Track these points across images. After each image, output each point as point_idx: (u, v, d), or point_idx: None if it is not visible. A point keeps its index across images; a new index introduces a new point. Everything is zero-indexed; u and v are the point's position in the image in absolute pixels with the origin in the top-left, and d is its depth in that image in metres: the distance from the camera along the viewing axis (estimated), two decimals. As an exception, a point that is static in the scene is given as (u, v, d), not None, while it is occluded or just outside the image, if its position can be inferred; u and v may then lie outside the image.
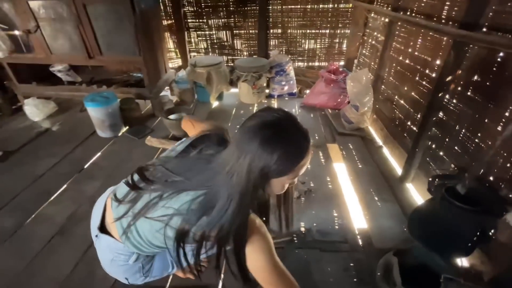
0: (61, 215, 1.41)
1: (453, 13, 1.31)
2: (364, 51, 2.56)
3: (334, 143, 2.04)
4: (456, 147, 1.26)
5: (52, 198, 1.53)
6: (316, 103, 2.57)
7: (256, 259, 0.65)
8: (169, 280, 1.10)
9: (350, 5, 2.50)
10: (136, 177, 0.76)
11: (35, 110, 2.32)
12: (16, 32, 2.06)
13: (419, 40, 1.57)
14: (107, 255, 0.85)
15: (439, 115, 1.38)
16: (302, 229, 1.33)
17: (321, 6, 2.55)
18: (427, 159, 1.47)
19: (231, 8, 2.65)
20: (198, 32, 2.87)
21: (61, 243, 1.27)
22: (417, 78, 1.59)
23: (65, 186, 1.62)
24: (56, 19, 1.99)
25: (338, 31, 2.67)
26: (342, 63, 2.81)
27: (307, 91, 2.76)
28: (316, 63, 2.89)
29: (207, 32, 2.84)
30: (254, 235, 0.64)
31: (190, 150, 0.77)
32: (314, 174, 1.70)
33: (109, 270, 0.90)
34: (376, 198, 1.51)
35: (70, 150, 1.96)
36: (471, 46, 1.17)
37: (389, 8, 1.93)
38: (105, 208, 0.86)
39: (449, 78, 1.26)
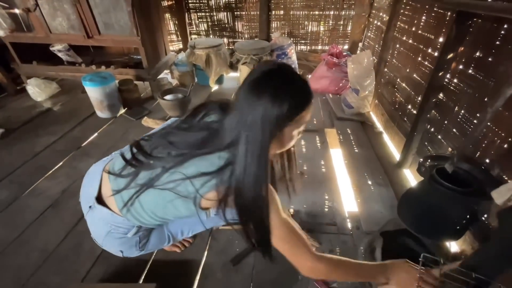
0: (55, 189, 1.45)
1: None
2: (369, 34, 2.45)
3: (332, 128, 1.99)
4: (454, 129, 1.19)
5: (48, 173, 1.56)
6: (317, 87, 2.50)
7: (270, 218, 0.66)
8: (154, 253, 1.12)
9: (356, -16, 2.38)
10: (134, 150, 0.75)
11: (37, 90, 2.36)
12: (16, 10, 2.07)
13: (423, 18, 1.48)
14: (103, 227, 0.83)
15: (439, 96, 1.31)
16: (291, 210, 1.31)
17: (325, -15, 2.44)
18: (425, 143, 1.42)
19: (232, -12, 2.57)
20: (198, 14, 2.81)
21: (53, 215, 1.30)
22: (419, 59, 1.51)
23: (61, 162, 1.65)
24: (54, -3, 1.98)
25: (343, 13, 2.56)
26: (346, 47, 2.71)
27: (309, 76, 2.68)
28: (319, 47, 2.80)
29: (207, 13, 2.78)
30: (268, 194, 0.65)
31: (190, 120, 0.75)
32: (308, 157, 1.67)
33: (102, 242, 0.86)
34: (370, 182, 1.47)
35: (69, 129, 1.99)
36: (474, 20, 1.09)
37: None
38: (101, 181, 0.83)
39: (450, 56, 1.18)
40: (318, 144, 1.81)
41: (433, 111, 1.35)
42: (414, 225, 0.99)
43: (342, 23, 2.62)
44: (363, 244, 1.06)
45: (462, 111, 1.15)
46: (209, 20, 2.83)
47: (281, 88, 0.60)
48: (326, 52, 2.51)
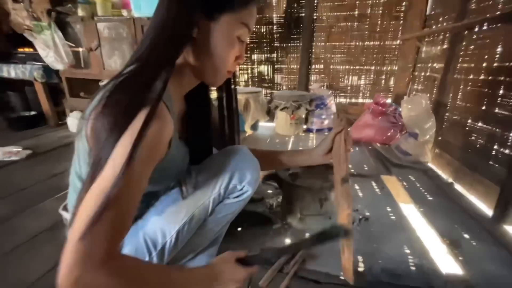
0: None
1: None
2: (415, 86, 2.35)
3: (391, 175, 1.67)
4: None
5: (59, 194, 1.34)
6: (361, 137, 2.29)
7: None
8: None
9: (398, 41, 2.43)
10: None
11: (76, 122, 2.38)
12: (80, 49, 2.27)
13: (498, 49, 1.34)
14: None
15: (550, 125, 1.03)
16: (361, 265, 0.93)
17: (366, 43, 2.52)
18: (539, 186, 1.06)
19: (275, 44, 2.75)
20: (240, 66, 2.97)
21: (47, 239, 1.02)
22: (501, 91, 1.30)
23: (77, 185, 1.44)
24: (115, 38, 2.18)
25: (385, 68, 2.55)
26: (389, 100, 2.60)
27: (349, 128, 2.52)
28: (360, 100, 2.72)
29: (249, 66, 2.92)
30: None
31: None
32: (368, 202, 1.33)
33: None
34: (467, 236, 1.07)
35: (95, 156, 1.86)
36: None
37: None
38: None
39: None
40: (377, 190, 1.48)
41: (543, 144, 1.05)
42: None
43: (383, 77, 2.59)
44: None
45: None
46: (249, 72, 2.96)
47: None
48: (370, 102, 2.40)
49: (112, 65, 2.26)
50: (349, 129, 0.76)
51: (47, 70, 2.33)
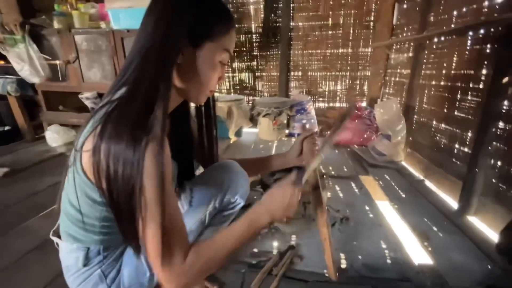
0: (47, 229, 1.17)
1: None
2: (387, 90, 2.52)
3: (368, 175, 1.79)
4: (534, 157, 1.01)
5: (44, 212, 1.32)
6: (340, 140, 2.41)
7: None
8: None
9: (370, 48, 2.60)
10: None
11: (55, 136, 2.31)
12: (57, 62, 2.22)
13: (454, 58, 1.50)
14: (63, 265, 0.66)
15: (499, 126, 1.17)
16: (343, 262, 1.01)
17: (340, 50, 2.67)
18: (493, 180, 1.20)
19: (255, 53, 2.83)
20: (221, 75, 3.03)
21: (36, 259, 1.01)
22: (459, 96, 1.45)
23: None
24: (94, 51, 2.16)
25: (359, 73, 2.71)
26: (364, 104, 2.76)
27: (328, 133, 2.65)
28: (337, 104, 2.87)
29: (230, 74, 2.98)
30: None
31: None
32: (348, 202, 1.43)
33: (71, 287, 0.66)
34: (435, 229, 1.19)
35: (78, 171, 1.83)
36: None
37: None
38: None
39: (505, 80, 1.11)
40: (356, 190, 1.58)
41: (494, 143, 1.20)
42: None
43: (358, 82, 2.74)
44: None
45: (540, 134, 0.99)
46: (230, 80, 3.02)
47: None
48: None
49: (92, 77, 2.23)
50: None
51: (22, 84, 2.25)
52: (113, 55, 2.12)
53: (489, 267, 0.96)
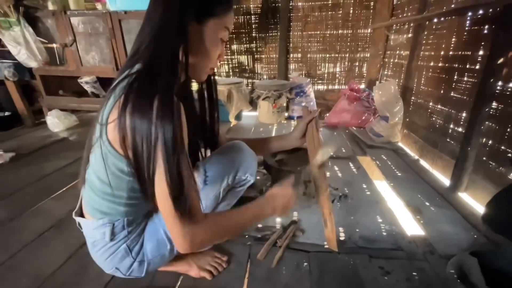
0: (61, 210, 1.24)
1: None
2: (385, 72, 2.54)
3: (365, 156, 1.85)
4: (523, 135, 1.07)
5: (55, 194, 1.38)
6: (338, 121, 2.46)
7: None
8: (179, 281, 0.86)
9: (369, 29, 2.57)
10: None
11: (56, 121, 2.33)
12: (54, 45, 2.19)
13: (453, 39, 1.51)
14: (88, 242, 0.72)
15: (492, 106, 1.22)
16: (342, 235, 1.08)
17: (340, 31, 2.65)
18: (484, 158, 1.27)
19: (253, 34, 2.80)
20: (220, 58, 2.99)
21: (54, 236, 1.07)
22: (455, 77, 1.49)
23: (71, 184, 1.47)
24: (91, 33, 2.12)
25: (358, 55, 2.71)
26: (363, 86, 2.78)
27: (327, 114, 2.68)
28: (336, 86, 2.88)
29: (229, 57, 2.95)
30: None
31: None
32: (347, 181, 1.50)
33: (98, 261, 0.74)
34: (427, 204, 1.27)
35: (82, 154, 1.86)
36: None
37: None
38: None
39: (500, 61, 1.14)
40: (354, 170, 1.65)
41: (487, 122, 1.25)
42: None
43: (357, 64, 2.74)
44: (452, 267, 0.82)
45: (530, 113, 1.05)
46: (230, 62, 2.99)
47: None
48: (345, 89, 2.56)
49: (91, 61, 2.21)
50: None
51: (19, 68, 2.23)
52: (111, 38, 2.09)
53: (475, 236, 1.04)
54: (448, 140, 1.54)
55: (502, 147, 1.17)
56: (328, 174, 1.57)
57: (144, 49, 0.58)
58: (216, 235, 0.62)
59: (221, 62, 0.71)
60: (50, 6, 2.08)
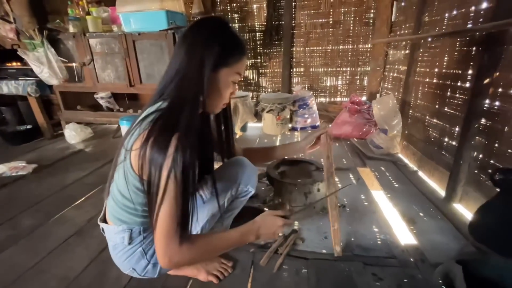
0: (81, 218, 1.36)
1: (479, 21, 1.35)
2: (385, 85, 2.63)
3: (365, 167, 1.93)
4: (510, 150, 1.14)
5: (75, 203, 1.50)
6: (340, 133, 2.55)
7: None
8: (189, 285, 0.96)
9: (369, 45, 2.68)
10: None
11: (73, 133, 2.49)
12: (73, 64, 2.37)
13: (445, 58, 1.61)
14: (110, 244, 0.84)
15: (481, 122, 1.30)
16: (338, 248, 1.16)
17: (341, 47, 2.77)
18: (475, 171, 1.34)
19: (258, 50, 2.94)
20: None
21: (77, 243, 1.19)
22: (448, 93, 1.57)
23: (89, 194, 1.60)
24: (108, 53, 2.29)
25: (359, 69, 2.81)
26: (364, 98, 2.87)
27: (330, 125, 2.77)
28: (338, 99, 2.98)
29: (235, 71, 3.10)
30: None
31: None
32: (346, 192, 1.58)
33: (117, 262, 0.85)
34: (422, 214, 1.34)
35: (98, 166, 2.00)
36: (505, 47, 1.17)
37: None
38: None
39: (486, 81, 1.23)
40: (354, 181, 1.73)
41: (477, 137, 1.32)
42: (501, 248, 0.85)
43: (358, 77, 2.85)
44: (438, 274, 0.90)
45: (514, 130, 1.12)
46: (235, 77, 3.13)
47: (213, 33, 0.70)
48: (347, 101, 2.66)
49: (106, 78, 2.37)
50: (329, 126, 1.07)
51: (41, 85, 2.41)
52: (126, 57, 2.25)
53: (464, 245, 1.11)
54: (443, 152, 1.61)
55: (491, 161, 1.24)
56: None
57: (169, 91, 0.70)
58: (196, 257, 0.69)
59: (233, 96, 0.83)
60: (71, 29, 2.26)
